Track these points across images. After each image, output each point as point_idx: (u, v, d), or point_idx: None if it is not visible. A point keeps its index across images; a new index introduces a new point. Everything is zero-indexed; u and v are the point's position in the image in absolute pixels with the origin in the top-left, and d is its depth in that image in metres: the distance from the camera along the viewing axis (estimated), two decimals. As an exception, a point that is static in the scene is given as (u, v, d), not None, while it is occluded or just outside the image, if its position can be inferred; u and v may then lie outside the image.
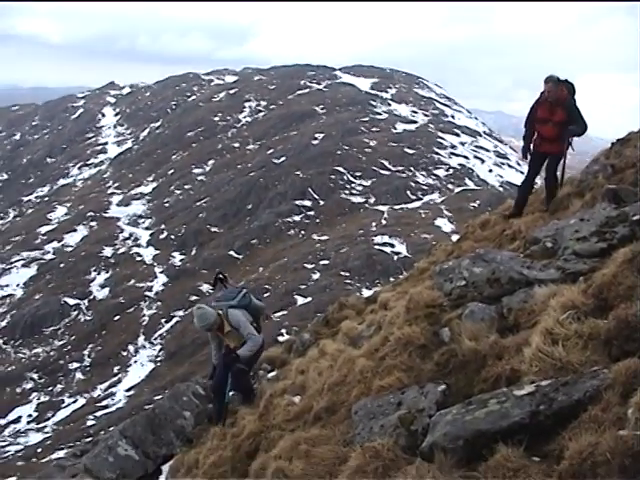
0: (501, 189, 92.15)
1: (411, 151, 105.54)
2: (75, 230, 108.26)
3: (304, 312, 60.60)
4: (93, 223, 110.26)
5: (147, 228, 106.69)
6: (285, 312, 64.34)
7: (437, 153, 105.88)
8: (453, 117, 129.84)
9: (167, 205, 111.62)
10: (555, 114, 13.02)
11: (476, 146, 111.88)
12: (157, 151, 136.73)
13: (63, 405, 68.37)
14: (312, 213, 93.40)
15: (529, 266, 7.53)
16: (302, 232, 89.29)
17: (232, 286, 13.07)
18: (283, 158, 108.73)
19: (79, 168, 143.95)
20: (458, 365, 6.42)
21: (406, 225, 79.20)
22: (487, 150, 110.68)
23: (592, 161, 13.64)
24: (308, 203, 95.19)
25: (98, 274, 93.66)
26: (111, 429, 35.86)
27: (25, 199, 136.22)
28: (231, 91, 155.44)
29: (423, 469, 4.92)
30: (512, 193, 13.40)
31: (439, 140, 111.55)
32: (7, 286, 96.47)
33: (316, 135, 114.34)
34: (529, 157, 14.08)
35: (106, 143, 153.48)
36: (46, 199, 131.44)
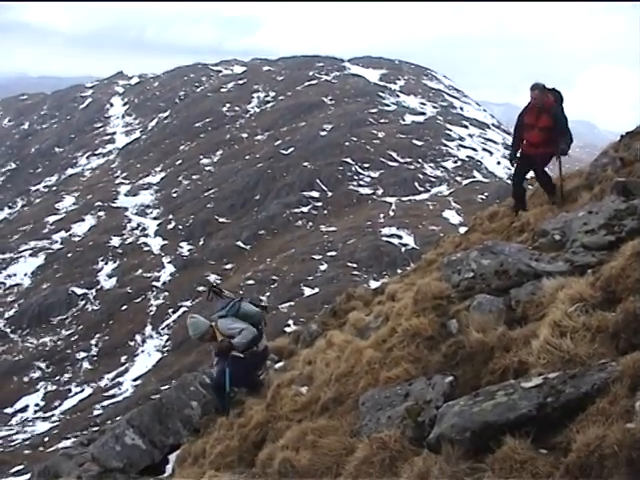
0: (509, 181, 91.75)
1: (419, 143, 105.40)
2: (83, 220, 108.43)
3: (311, 303, 60.68)
4: (101, 213, 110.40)
5: (155, 218, 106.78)
6: (292, 303, 64.43)
7: (445, 145, 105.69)
8: (462, 109, 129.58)
9: (175, 195, 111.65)
10: (540, 120, 13.07)
11: (484, 138, 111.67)
12: (165, 141, 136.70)
13: (70, 394, 68.57)
14: (320, 204, 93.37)
15: (537, 258, 7.52)
16: (310, 223, 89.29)
17: (227, 297, 13.06)
18: (291, 149, 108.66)
19: (87, 158, 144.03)
20: (465, 357, 6.41)
21: (414, 217, 79.15)
22: (495, 142, 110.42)
23: (601, 154, 13.58)
24: (316, 194, 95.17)
25: (106, 264, 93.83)
26: (118, 418, 35.94)
27: (33, 188, 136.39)
28: (239, 82, 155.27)
29: (430, 460, 4.92)
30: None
31: (447, 132, 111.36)
32: (15, 275, 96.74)
33: (324, 126, 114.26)
34: (516, 162, 14.16)
35: (114, 133, 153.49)
36: (54, 189, 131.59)
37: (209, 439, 11.11)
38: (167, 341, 72.76)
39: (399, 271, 49.09)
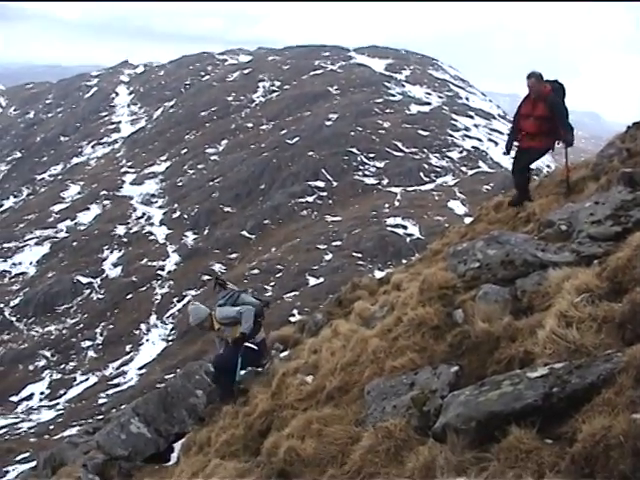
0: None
1: (425, 133, 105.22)
2: (88, 209, 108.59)
3: (316, 293, 60.68)
4: (106, 202, 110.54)
5: (160, 207, 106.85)
6: (297, 293, 64.48)
7: (451, 135, 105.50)
8: (467, 99, 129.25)
9: (180, 184, 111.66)
10: (536, 109, 13.02)
11: (490, 129, 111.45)
12: (170, 130, 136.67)
13: (75, 383, 68.75)
14: (325, 194, 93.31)
15: (543, 249, 7.51)
16: (315, 213, 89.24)
17: (231, 289, 13.14)
18: (296, 138, 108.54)
19: (92, 147, 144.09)
20: (471, 346, 6.42)
21: (419, 207, 79.08)
22: (501, 133, 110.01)
23: (607, 144, 13.55)
24: (321, 184, 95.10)
25: (111, 253, 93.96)
26: (123, 407, 36.04)
27: (38, 177, 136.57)
28: (245, 71, 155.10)
29: (435, 450, 4.94)
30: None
31: (453, 122, 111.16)
32: (20, 264, 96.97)
33: (330, 116, 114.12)
34: (513, 153, 14.12)
35: (120, 122, 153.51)
36: (59, 177, 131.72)
37: (214, 428, 11.16)
38: (172, 330, 72.86)
39: (404, 261, 49.07)
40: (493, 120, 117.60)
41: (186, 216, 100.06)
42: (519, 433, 4.44)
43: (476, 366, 6.15)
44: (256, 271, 73.04)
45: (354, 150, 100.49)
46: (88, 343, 76.35)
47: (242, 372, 12.47)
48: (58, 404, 64.20)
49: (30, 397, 68.01)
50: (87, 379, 68.87)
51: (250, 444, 9.02)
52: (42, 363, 74.35)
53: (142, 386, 55.97)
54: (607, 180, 10.73)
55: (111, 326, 78.47)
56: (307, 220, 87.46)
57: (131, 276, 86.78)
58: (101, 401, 59.55)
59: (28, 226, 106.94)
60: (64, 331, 79.29)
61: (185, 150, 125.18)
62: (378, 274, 47.06)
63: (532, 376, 4.82)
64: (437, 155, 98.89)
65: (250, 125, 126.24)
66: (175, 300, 78.73)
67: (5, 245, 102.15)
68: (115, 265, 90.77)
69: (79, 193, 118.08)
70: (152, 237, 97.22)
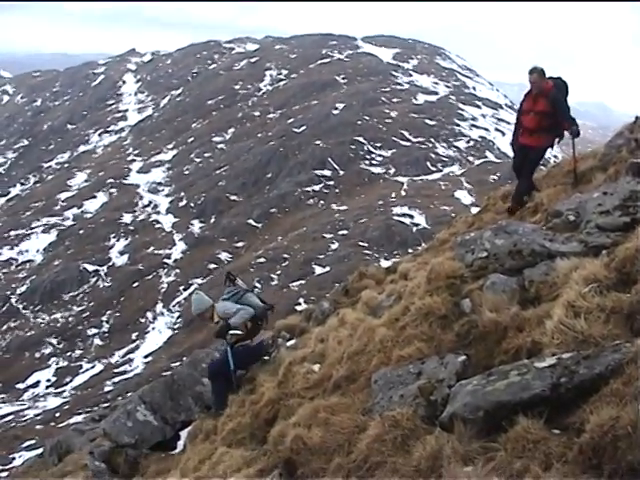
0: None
1: (432, 122, 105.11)
2: (95, 197, 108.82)
3: (322, 282, 60.76)
4: (113, 190, 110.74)
5: (167, 195, 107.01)
6: (303, 281, 64.55)
7: (458, 125, 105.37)
8: (474, 89, 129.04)
9: (187, 173, 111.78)
10: (537, 104, 12.89)
11: (497, 118, 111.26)
12: (177, 119, 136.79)
13: (81, 370, 68.98)
14: (332, 183, 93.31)
15: (551, 239, 7.49)
16: (321, 202, 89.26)
17: (240, 286, 13.12)
18: (303, 127, 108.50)
19: (99, 135, 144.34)
20: (478, 336, 6.41)
21: (425, 197, 79.03)
22: (508, 122, 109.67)
23: (616, 135, 13.48)
24: (328, 173, 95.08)
25: (117, 241, 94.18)
26: (129, 395, 36.14)
27: (45, 165, 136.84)
28: (252, 59, 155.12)
29: (442, 439, 4.93)
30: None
31: (460, 112, 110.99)
32: (27, 252, 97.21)
33: (337, 105, 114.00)
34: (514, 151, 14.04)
35: (126, 110, 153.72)
36: (66, 165, 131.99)
37: (221, 416, 11.17)
38: (178, 318, 73.01)
39: (410, 251, 49.10)
40: (500, 110, 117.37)
41: (192, 204, 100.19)
42: (526, 423, 4.44)
43: (483, 356, 6.15)
44: (262, 260, 73.12)
45: (361, 139, 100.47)
46: (94, 331, 76.58)
47: (239, 372, 12.42)
48: (64, 391, 64.42)
49: (36, 384, 68.24)
50: (93, 367, 69.09)
51: (257, 432, 9.02)
52: (48, 351, 74.60)
53: (148, 374, 56.14)
54: (615, 170, 10.69)
55: (117, 314, 78.67)
56: (313, 209, 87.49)
57: (137, 264, 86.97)
58: (107, 389, 59.72)
59: (35, 214, 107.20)
60: (70, 319, 79.51)
61: (192, 138, 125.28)
62: (384, 263, 47.09)
63: (540, 366, 4.82)
64: (444, 145, 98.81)
65: (257, 114, 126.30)
66: (181, 288, 78.86)
67: (12, 233, 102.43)
68: (121, 253, 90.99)
69: (86, 181, 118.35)
70: (158, 225, 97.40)
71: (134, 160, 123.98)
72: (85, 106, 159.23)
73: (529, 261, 7.30)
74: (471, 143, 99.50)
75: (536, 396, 4.62)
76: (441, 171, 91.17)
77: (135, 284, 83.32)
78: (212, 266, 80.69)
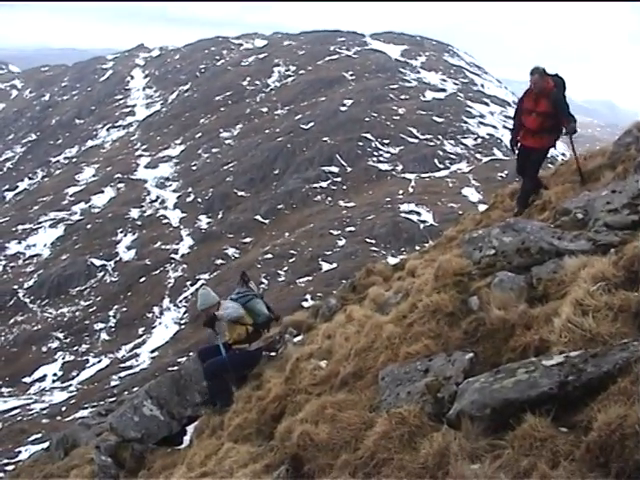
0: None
1: (440, 119, 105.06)
2: (102, 191, 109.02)
3: (329, 278, 60.83)
4: (120, 185, 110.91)
5: (174, 191, 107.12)
6: (310, 278, 64.61)
7: (466, 122, 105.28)
8: (482, 86, 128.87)
9: (194, 168, 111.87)
10: (539, 105, 12.81)
11: (505, 116, 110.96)
12: (185, 114, 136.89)
13: (88, 365, 69.16)
14: (339, 179, 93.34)
15: (559, 237, 7.48)
16: (329, 198, 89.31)
17: (250, 288, 13.16)
18: (311, 124, 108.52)
19: (107, 130, 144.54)
20: (486, 334, 6.41)
21: (433, 194, 79.01)
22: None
23: (624, 133, 13.43)
24: (335, 169, 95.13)
25: (125, 236, 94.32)
26: (135, 389, 36.17)
27: (53, 160, 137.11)
28: (260, 56, 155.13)
29: (449, 436, 4.93)
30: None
31: (468, 109, 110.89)
32: (34, 246, 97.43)
33: (344, 101, 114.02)
34: (516, 151, 13.95)
35: (135, 105, 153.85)
36: (74, 160, 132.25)
37: (227, 411, 11.19)
38: (185, 313, 73.12)
39: (417, 248, 49.09)
40: (508, 107, 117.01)
41: (200, 200, 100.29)
42: (534, 421, 4.44)
43: (491, 353, 6.14)
44: (269, 256, 73.21)
45: (368, 136, 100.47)
46: (101, 325, 76.77)
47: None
48: (71, 386, 64.60)
49: (43, 378, 68.46)
50: (100, 361, 69.27)
51: (263, 428, 9.04)
52: (55, 345, 74.82)
53: (154, 369, 56.25)
54: (624, 169, 10.68)
55: (124, 309, 78.84)
56: (321, 205, 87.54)
57: (145, 259, 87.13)
58: (113, 383, 59.86)
59: (42, 208, 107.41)
60: (77, 313, 79.72)
61: (200, 134, 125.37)
62: (391, 260, 47.06)
63: (547, 364, 4.82)
64: (452, 142, 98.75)
65: (265, 110, 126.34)
66: (188, 284, 78.98)
67: (20, 227, 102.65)
68: (129, 248, 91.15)
69: (94, 176, 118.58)
70: (166, 220, 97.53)
71: (142, 155, 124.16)
72: (93, 101, 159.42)
73: (537, 259, 7.29)
74: (479, 140, 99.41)
75: (544, 394, 4.62)
76: (449, 168, 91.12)
77: (142, 279, 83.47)
78: (219, 261, 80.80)
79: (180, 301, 76.34)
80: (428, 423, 5.52)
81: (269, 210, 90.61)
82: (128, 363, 65.90)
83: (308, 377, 8.88)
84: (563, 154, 57.60)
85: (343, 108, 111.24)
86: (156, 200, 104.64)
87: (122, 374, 62.21)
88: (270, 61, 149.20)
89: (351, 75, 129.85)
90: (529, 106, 13.06)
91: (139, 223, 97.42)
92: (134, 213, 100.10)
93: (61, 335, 76.19)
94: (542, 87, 12.71)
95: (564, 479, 3.96)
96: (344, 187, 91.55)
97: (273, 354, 13.13)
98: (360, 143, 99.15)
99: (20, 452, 40.90)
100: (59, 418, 51.38)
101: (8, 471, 31.12)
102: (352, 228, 73.58)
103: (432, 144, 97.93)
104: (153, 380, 14.37)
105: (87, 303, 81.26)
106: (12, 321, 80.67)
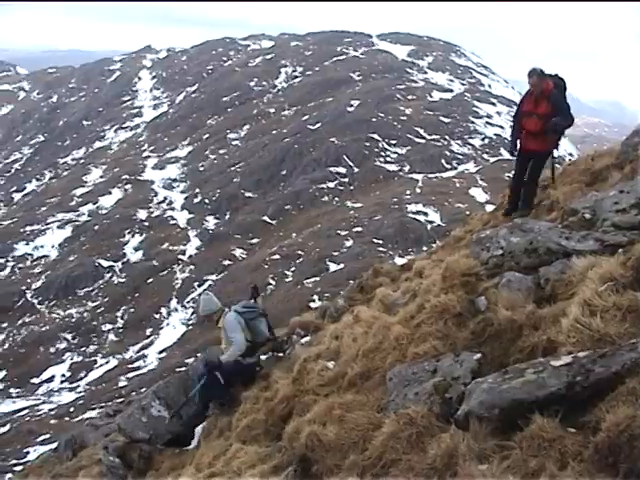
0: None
1: (447, 120, 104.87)
2: (110, 193, 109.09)
3: (336, 279, 60.74)
4: (128, 186, 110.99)
5: (182, 192, 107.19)
6: (317, 278, 64.56)
7: (473, 122, 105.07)
8: (490, 86, 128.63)
9: (202, 169, 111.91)
10: (539, 107, 12.72)
11: (512, 116, 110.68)
12: (192, 115, 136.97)
13: (96, 366, 69.21)
14: (346, 180, 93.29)
15: (567, 237, 7.47)
16: (336, 199, 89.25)
17: (257, 303, 13.17)
18: (318, 124, 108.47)
19: (115, 131, 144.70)
20: (494, 334, 6.41)
21: (440, 194, 78.88)
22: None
23: (632, 133, 13.39)
24: (342, 170, 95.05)
25: (132, 237, 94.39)
26: (143, 390, 36.21)
27: (61, 161, 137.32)
28: (267, 56, 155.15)
29: (457, 437, 4.94)
30: (547, 165, 13.02)
31: (475, 109, 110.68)
32: (42, 247, 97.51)
33: (352, 102, 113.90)
34: (516, 155, 13.83)
35: (142, 106, 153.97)
36: (82, 161, 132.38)
37: (235, 412, 11.20)
38: (192, 314, 73.08)
39: (424, 248, 49.04)
40: (515, 107, 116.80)
41: (207, 201, 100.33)
42: (542, 422, 4.45)
43: (499, 354, 6.15)
44: (277, 256, 73.23)
45: (376, 136, 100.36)
46: (109, 326, 76.82)
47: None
48: (79, 386, 64.67)
49: (51, 379, 68.53)
50: (107, 362, 69.32)
51: (271, 429, 9.06)
52: (63, 346, 74.89)
53: (162, 370, 56.27)
54: (632, 169, 10.66)
55: (132, 310, 78.89)
56: (328, 206, 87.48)
57: (152, 260, 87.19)
58: (121, 384, 59.88)
59: (50, 209, 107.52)
60: (85, 314, 79.79)
61: (207, 135, 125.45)
62: (398, 261, 47.04)
63: (556, 364, 4.82)
64: (459, 142, 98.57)
65: (272, 110, 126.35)
66: (196, 285, 78.98)
67: (28, 228, 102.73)
68: (136, 249, 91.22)
69: (101, 177, 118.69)
70: (173, 221, 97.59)
71: (149, 156, 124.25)
72: (101, 102, 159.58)
73: (545, 259, 7.29)
74: (486, 141, 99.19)
75: (552, 394, 4.62)
76: (456, 169, 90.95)
77: (149, 280, 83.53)
78: (226, 262, 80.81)
79: (187, 302, 76.34)
80: (436, 424, 5.53)
81: (276, 211, 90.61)
82: (136, 364, 65.94)
83: (316, 378, 8.89)
84: (570, 154, 57.53)
85: (350, 109, 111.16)
86: (163, 201, 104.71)
87: (130, 375, 62.24)
88: (277, 62, 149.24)
89: (358, 76, 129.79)
90: (529, 108, 12.99)
91: (146, 224, 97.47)
92: (141, 214, 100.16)
93: (69, 336, 76.27)
94: (542, 89, 12.63)
95: None
96: (351, 188, 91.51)
97: (281, 355, 13.14)
98: (367, 143, 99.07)
99: (28, 453, 40.95)
100: (67, 419, 51.42)
101: (17, 472, 31.16)
102: (359, 229, 73.51)
103: (439, 144, 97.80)
104: (161, 381, 14.41)
105: (95, 304, 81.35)
106: (20, 322, 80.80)
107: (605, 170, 12.31)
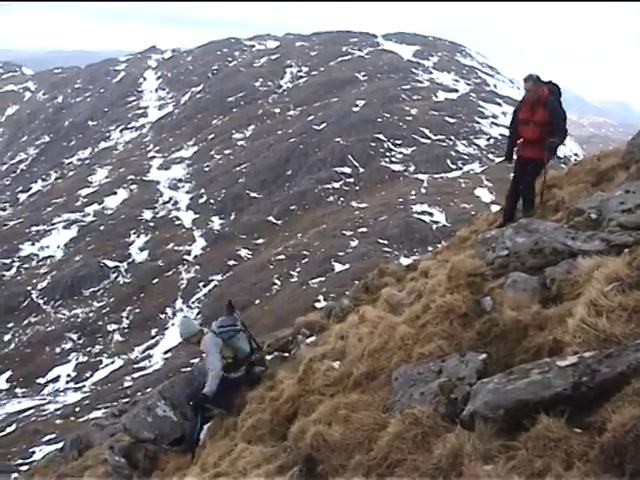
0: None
1: (452, 120, 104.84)
2: (115, 193, 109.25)
3: (341, 279, 60.78)
4: (133, 186, 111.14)
5: (187, 192, 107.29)
6: (322, 278, 64.58)
7: (478, 122, 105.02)
8: (495, 86, 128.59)
9: (207, 170, 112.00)
10: (536, 114, 12.61)
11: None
12: (198, 115, 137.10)
13: (101, 366, 69.33)
14: (351, 180, 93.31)
15: (573, 237, 7.45)
16: (341, 199, 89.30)
17: (235, 318, 13.13)
18: (323, 124, 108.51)
19: (120, 131, 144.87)
20: (499, 334, 6.40)
21: (445, 194, 78.84)
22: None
23: (638, 132, 13.38)
24: (348, 170, 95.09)
25: (137, 237, 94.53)
26: (148, 390, 36.23)
27: (67, 161, 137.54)
28: (272, 56, 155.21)
29: (463, 437, 4.93)
30: (553, 164, 12.99)
31: (480, 109, 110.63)
32: (48, 247, 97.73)
33: (357, 102, 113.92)
34: (513, 163, 13.80)
35: (147, 107, 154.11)
36: (87, 162, 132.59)
37: (241, 412, 11.20)
38: (197, 314, 73.07)
39: (430, 248, 49.00)
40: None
41: (213, 201, 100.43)
42: (548, 422, 4.44)
43: (504, 354, 6.14)
44: (282, 257, 73.28)
45: (381, 136, 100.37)
46: (114, 326, 76.95)
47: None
48: (84, 386, 64.79)
49: (57, 379, 68.68)
50: (113, 362, 69.44)
51: (277, 429, 9.06)
52: (69, 346, 75.04)
53: (167, 370, 56.36)
54: (638, 169, 10.63)
55: (137, 310, 79.01)
56: (333, 206, 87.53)
57: (157, 260, 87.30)
58: (127, 384, 59.99)
59: (56, 210, 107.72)
60: (91, 314, 79.93)
61: (212, 135, 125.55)
62: (404, 261, 47.04)
63: (561, 365, 4.81)
64: (464, 142, 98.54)
65: (277, 111, 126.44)
66: (201, 285, 79.07)
67: (33, 228, 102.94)
68: (142, 249, 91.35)
69: (106, 177, 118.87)
70: (179, 222, 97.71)
71: (154, 157, 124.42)
72: (106, 103, 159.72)
73: (550, 259, 7.28)
74: (491, 141, 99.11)
75: (557, 395, 4.61)
76: (461, 169, 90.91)
77: (155, 280, 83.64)
78: (232, 263, 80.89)
79: (193, 302, 76.41)
80: (441, 424, 5.52)
81: (281, 211, 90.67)
82: (141, 364, 66.05)
83: (321, 378, 8.89)
84: (576, 154, 57.47)
85: (355, 109, 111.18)
86: (169, 201, 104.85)
87: (135, 375, 62.35)
88: (282, 62, 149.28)
89: (363, 76, 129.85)
90: (526, 116, 12.87)
91: (152, 224, 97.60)
92: (147, 214, 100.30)
93: (75, 336, 76.43)
94: (538, 95, 12.54)
95: (578, 480, 3.96)
96: (357, 188, 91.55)
97: (286, 355, 13.14)
98: (372, 144, 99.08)
99: (34, 452, 41.03)
100: (73, 419, 51.49)
101: (22, 471, 31.18)
102: (365, 229, 73.53)
103: (444, 145, 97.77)
104: (166, 381, 14.41)
105: (100, 304, 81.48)
106: (26, 322, 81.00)
107: (611, 170, 12.28)
